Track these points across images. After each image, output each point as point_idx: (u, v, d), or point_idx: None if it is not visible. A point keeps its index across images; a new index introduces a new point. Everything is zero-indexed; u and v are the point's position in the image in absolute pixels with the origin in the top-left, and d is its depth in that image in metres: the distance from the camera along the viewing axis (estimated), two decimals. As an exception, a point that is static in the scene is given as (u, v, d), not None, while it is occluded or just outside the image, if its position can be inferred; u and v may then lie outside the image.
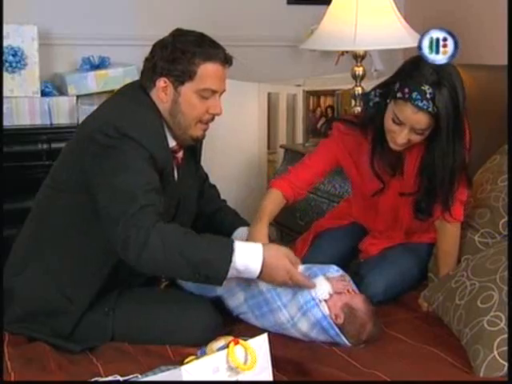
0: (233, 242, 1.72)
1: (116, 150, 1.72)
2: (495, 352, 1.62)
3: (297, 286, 1.79)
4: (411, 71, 1.87)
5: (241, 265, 1.69)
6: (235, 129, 3.16)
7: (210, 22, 3.31)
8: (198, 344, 1.67)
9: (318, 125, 3.03)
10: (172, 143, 1.88)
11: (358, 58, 2.80)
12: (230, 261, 1.67)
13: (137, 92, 1.86)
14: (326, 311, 1.79)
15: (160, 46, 1.84)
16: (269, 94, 3.24)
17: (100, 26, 3.16)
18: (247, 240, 1.88)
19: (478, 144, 2.10)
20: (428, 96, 1.82)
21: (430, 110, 1.83)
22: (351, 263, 2.20)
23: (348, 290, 1.85)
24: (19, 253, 1.87)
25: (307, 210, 2.79)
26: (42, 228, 1.86)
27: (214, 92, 1.84)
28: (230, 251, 1.68)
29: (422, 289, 2.03)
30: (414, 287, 2.10)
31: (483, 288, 1.74)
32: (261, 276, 1.73)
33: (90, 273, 1.81)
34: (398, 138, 1.89)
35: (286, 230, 2.97)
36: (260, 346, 1.52)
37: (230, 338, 1.53)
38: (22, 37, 2.86)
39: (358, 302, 1.83)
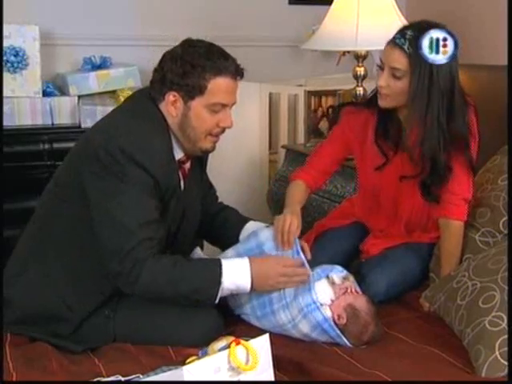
0: (220, 264, 1.75)
1: (118, 176, 1.70)
2: (497, 352, 1.62)
3: (300, 282, 1.78)
4: (409, 23, 2.01)
5: (230, 284, 1.75)
6: (236, 129, 3.12)
7: (211, 22, 3.33)
8: (200, 345, 1.67)
9: (320, 125, 3.03)
10: (179, 155, 1.87)
11: (360, 58, 2.80)
12: (219, 284, 1.73)
13: (146, 103, 1.82)
14: (328, 313, 1.79)
15: (169, 58, 1.79)
16: (270, 94, 3.24)
17: (101, 26, 3.16)
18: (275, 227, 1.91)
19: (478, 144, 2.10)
20: (407, 36, 1.92)
21: (405, 48, 1.91)
22: (352, 263, 2.20)
23: (351, 291, 1.85)
24: (21, 255, 1.87)
25: (309, 210, 2.79)
26: (45, 234, 1.84)
27: (224, 106, 1.82)
28: (218, 275, 1.73)
29: (424, 289, 2.02)
30: (416, 286, 2.10)
31: (485, 288, 1.74)
32: (254, 288, 1.76)
33: (92, 284, 1.80)
34: (379, 80, 1.97)
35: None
36: (261, 346, 1.52)
37: (232, 339, 1.54)
38: (23, 37, 2.86)
39: (362, 302, 1.83)
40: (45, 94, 2.93)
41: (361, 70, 2.80)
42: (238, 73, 1.82)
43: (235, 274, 1.75)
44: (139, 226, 1.71)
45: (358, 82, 2.81)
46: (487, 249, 1.98)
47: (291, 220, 1.90)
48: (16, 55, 2.84)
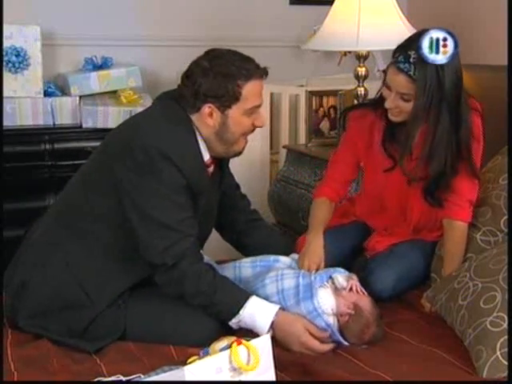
0: (247, 298, 1.77)
1: (154, 175, 1.74)
2: (498, 353, 1.62)
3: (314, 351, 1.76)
4: (409, 38, 1.95)
5: (248, 318, 1.76)
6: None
7: (212, 23, 3.33)
8: (202, 344, 1.67)
9: (321, 125, 3.03)
10: (206, 157, 1.89)
11: (361, 58, 2.80)
12: (237, 313, 1.76)
13: (177, 109, 1.84)
14: (330, 320, 1.80)
15: (199, 72, 1.81)
16: (271, 94, 3.24)
17: (103, 27, 3.16)
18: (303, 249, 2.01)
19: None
20: (411, 60, 1.89)
21: (411, 73, 1.88)
22: (356, 261, 2.21)
23: (357, 290, 1.85)
24: (43, 246, 1.87)
25: (310, 210, 2.79)
26: (70, 225, 1.86)
27: (258, 107, 1.86)
28: (240, 307, 1.76)
29: (425, 289, 2.02)
30: (422, 282, 2.09)
31: (486, 289, 1.74)
32: (273, 335, 1.74)
33: (112, 274, 1.82)
34: (387, 102, 1.95)
35: (289, 230, 2.96)
36: (263, 346, 1.52)
37: (233, 339, 1.54)
38: (24, 37, 2.86)
39: (366, 302, 1.83)
40: (46, 94, 2.93)
41: (362, 70, 2.80)
42: (263, 72, 1.86)
43: (257, 311, 1.76)
44: (177, 223, 1.77)
45: (359, 82, 2.81)
46: (488, 248, 1.98)
47: (310, 258, 1.94)
48: (17, 55, 2.85)
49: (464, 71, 2.32)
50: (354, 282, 1.87)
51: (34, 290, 1.82)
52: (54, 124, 2.93)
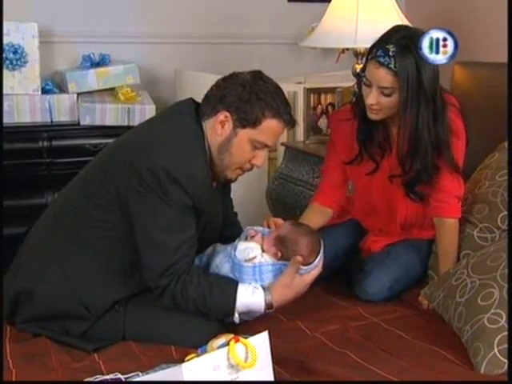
0: (235, 294, 1.78)
1: (160, 196, 1.72)
2: (496, 349, 1.62)
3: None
4: (385, 33, 1.95)
5: (243, 309, 1.80)
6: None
7: (210, 20, 3.33)
8: (200, 345, 1.67)
9: (319, 122, 3.03)
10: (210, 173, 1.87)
11: (359, 55, 2.79)
12: (233, 313, 1.79)
13: (187, 119, 1.82)
14: (270, 260, 1.83)
15: (237, 81, 1.80)
16: (269, 91, 3.23)
17: (100, 24, 3.15)
18: None
19: (477, 141, 2.11)
20: (390, 54, 1.89)
21: (391, 66, 1.89)
22: (354, 261, 2.21)
23: (269, 232, 1.89)
24: (40, 255, 1.85)
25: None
26: (68, 235, 1.84)
27: (266, 146, 1.84)
28: (232, 305, 1.78)
29: (423, 286, 2.03)
30: (419, 283, 2.10)
31: (483, 285, 1.74)
32: (276, 306, 1.82)
33: (110, 286, 1.82)
34: (368, 98, 1.95)
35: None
36: (261, 343, 1.52)
37: (231, 336, 1.54)
38: (22, 34, 2.86)
39: (283, 228, 1.87)
40: (44, 91, 2.92)
41: (360, 67, 2.80)
42: (291, 123, 1.85)
43: (250, 306, 1.80)
44: (178, 246, 1.76)
45: (357, 79, 2.81)
46: (485, 244, 1.99)
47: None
48: (15, 52, 2.84)
49: (461, 68, 2.33)
50: (250, 231, 1.89)
51: (32, 301, 1.81)
52: (52, 121, 2.93)
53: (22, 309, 1.82)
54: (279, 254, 1.84)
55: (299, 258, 1.81)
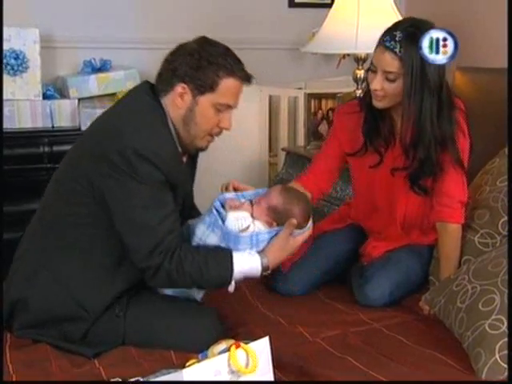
0: (232, 264, 1.79)
1: (132, 176, 1.72)
2: (497, 355, 1.62)
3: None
4: (394, 22, 2.01)
5: (240, 277, 1.82)
6: (236, 131, 3.13)
7: (211, 25, 3.32)
8: (200, 348, 1.67)
9: (320, 127, 3.03)
10: (179, 148, 1.88)
11: (360, 60, 2.80)
12: (229, 282, 1.81)
13: (145, 97, 1.83)
14: (263, 227, 1.85)
15: (184, 52, 1.81)
16: (270, 96, 3.24)
17: (101, 29, 3.16)
18: None
19: (477, 146, 2.11)
20: (397, 39, 1.92)
21: (397, 51, 1.91)
22: (354, 266, 2.20)
23: (256, 200, 1.89)
24: (30, 262, 1.85)
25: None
26: (54, 237, 1.84)
27: (228, 107, 1.84)
28: (229, 274, 1.79)
29: (424, 292, 2.02)
30: (420, 288, 2.09)
31: (484, 291, 1.74)
32: (271, 268, 1.86)
33: (103, 281, 1.82)
34: (373, 83, 1.97)
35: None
36: (261, 349, 1.52)
37: (232, 342, 1.54)
38: (23, 40, 2.86)
39: (274, 198, 1.87)
40: (45, 96, 2.93)
41: (361, 73, 2.81)
42: (247, 78, 1.85)
43: (247, 273, 1.83)
44: (160, 223, 1.75)
45: (357, 84, 2.82)
46: (486, 250, 1.99)
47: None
48: (16, 58, 2.85)
49: (461, 73, 2.33)
50: (229, 201, 1.88)
51: (28, 309, 1.80)
52: (53, 126, 2.93)
53: (19, 316, 1.82)
54: (274, 224, 1.86)
55: (294, 221, 1.83)
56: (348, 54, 3.12)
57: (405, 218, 2.15)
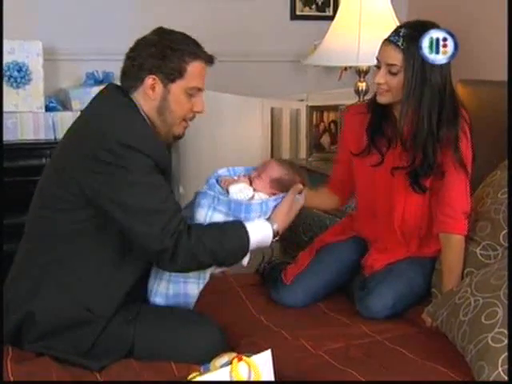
0: (247, 233, 1.83)
1: (123, 167, 1.73)
2: (500, 369, 1.61)
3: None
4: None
5: (254, 247, 1.86)
6: (238, 143, 3.16)
7: (213, 38, 3.33)
8: (202, 361, 1.67)
9: (321, 140, 3.04)
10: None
11: (361, 73, 2.81)
12: (246, 253, 1.85)
13: (117, 96, 1.85)
14: (264, 196, 1.91)
15: (145, 45, 1.85)
16: (272, 109, 3.24)
17: (104, 42, 3.17)
18: None
19: (479, 159, 2.11)
20: (401, 34, 1.98)
21: (399, 44, 1.97)
22: (356, 278, 2.20)
23: (255, 174, 1.96)
24: (29, 278, 1.83)
25: (311, 224, 2.79)
26: (50, 250, 1.82)
27: (199, 90, 1.87)
28: (247, 243, 1.83)
29: (427, 304, 2.02)
30: (422, 300, 2.09)
31: (487, 304, 1.73)
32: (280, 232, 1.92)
33: (107, 282, 1.81)
34: (376, 77, 2.03)
35: (290, 245, 2.96)
36: (264, 362, 1.51)
37: (234, 355, 1.53)
38: (27, 52, 2.88)
39: (274, 170, 1.96)
40: (47, 108, 2.94)
41: (362, 85, 2.81)
42: (211, 59, 1.90)
43: (261, 242, 1.87)
44: (161, 203, 1.76)
45: (359, 97, 2.82)
46: (488, 262, 1.98)
47: None
48: (19, 70, 2.86)
49: (462, 86, 2.33)
50: (223, 179, 1.95)
51: (36, 321, 1.78)
52: (56, 139, 2.93)
53: (28, 331, 1.80)
54: (279, 193, 1.93)
55: (300, 187, 1.94)
56: (350, 67, 3.13)
57: (403, 221, 2.14)
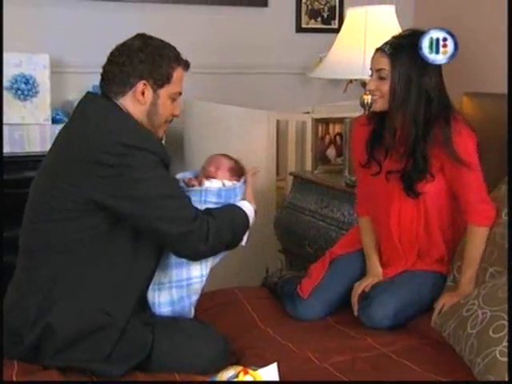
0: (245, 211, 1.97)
1: (129, 166, 1.74)
2: (508, 383, 1.60)
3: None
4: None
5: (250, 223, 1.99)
6: (244, 156, 3.14)
7: (218, 50, 3.36)
8: (207, 371, 1.67)
9: (327, 152, 3.04)
10: None
11: (367, 85, 2.81)
12: (246, 232, 1.98)
13: (106, 103, 1.86)
14: (231, 183, 2.03)
15: (132, 50, 1.86)
16: (278, 121, 3.25)
17: (111, 55, 3.19)
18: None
19: (485, 171, 2.10)
20: (389, 42, 2.05)
21: (386, 49, 2.03)
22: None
23: (213, 171, 2.06)
24: (40, 292, 1.80)
25: (316, 237, 2.79)
26: (62, 260, 1.80)
27: (180, 95, 1.93)
28: (247, 219, 1.97)
29: (431, 313, 2.01)
30: (426, 310, 2.08)
31: (495, 317, 1.73)
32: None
33: (123, 285, 1.82)
34: (368, 85, 2.10)
35: (296, 257, 2.96)
36: (270, 375, 1.51)
37: (240, 368, 1.53)
38: (34, 65, 2.90)
39: (226, 162, 2.10)
40: (54, 121, 2.95)
41: (368, 98, 2.80)
42: (188, 65, 1.93)
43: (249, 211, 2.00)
44: (179, 189, 1.87)
45: (365, 109, 2.82)
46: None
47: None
48: (26, 83, 2.88)
49: (470, 99, 2.33)
50: (188, 181, 2.03)
51: (54, 332, 1.76)
52: (62, 151, 2.95)
53: (47, 344, 1.77)
54: (240, 179, 2.07)
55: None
56: (355, 79, 3.14)
57: (399, 226, 2.15)
